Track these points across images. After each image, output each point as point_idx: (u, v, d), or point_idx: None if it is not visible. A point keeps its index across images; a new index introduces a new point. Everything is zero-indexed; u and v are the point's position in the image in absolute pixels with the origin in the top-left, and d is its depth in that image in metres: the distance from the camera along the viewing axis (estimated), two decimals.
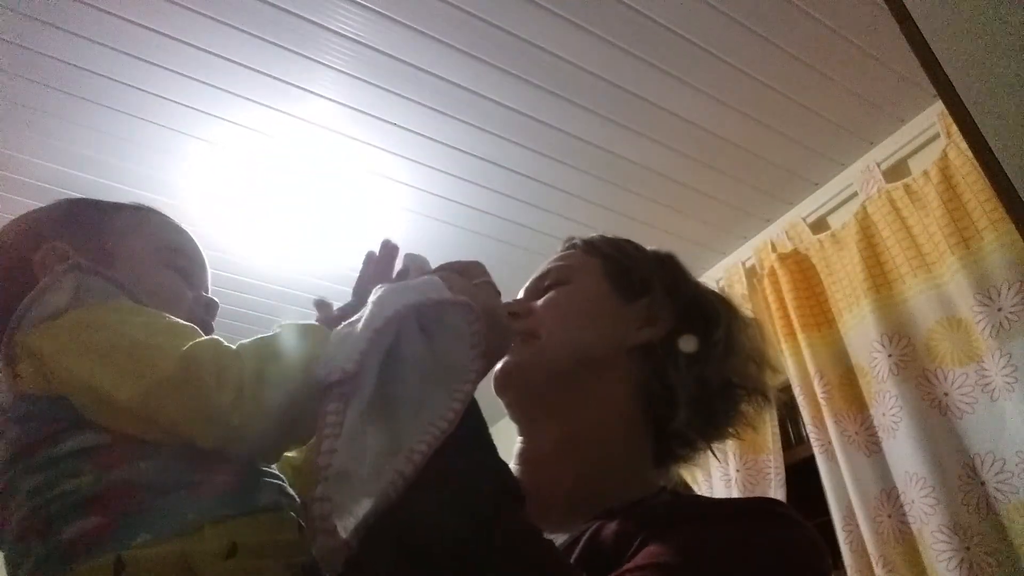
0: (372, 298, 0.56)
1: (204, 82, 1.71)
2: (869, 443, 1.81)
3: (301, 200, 2.07)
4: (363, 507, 0.46)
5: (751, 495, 1.99)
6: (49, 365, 0.56)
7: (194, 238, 0.79)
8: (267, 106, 1.78)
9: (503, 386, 0.78)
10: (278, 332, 0.58)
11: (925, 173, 1.80)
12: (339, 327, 0.54)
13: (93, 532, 0.50)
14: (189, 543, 0.50)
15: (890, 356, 1.77)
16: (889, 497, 1.73)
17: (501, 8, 1.59)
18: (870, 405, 1.83)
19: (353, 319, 0.54)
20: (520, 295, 0.87)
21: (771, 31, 1.69)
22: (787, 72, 1.79)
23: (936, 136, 1.85)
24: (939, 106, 1.77)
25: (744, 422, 0.82)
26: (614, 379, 0.78)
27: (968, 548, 1.54)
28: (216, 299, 0.75)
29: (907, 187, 1.84)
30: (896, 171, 1.95)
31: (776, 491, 1.96)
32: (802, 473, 2.01)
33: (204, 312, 0.73)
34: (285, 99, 1.76)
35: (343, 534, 0.44)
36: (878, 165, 1.96)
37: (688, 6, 1.61)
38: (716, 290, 0.91)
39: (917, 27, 0.80)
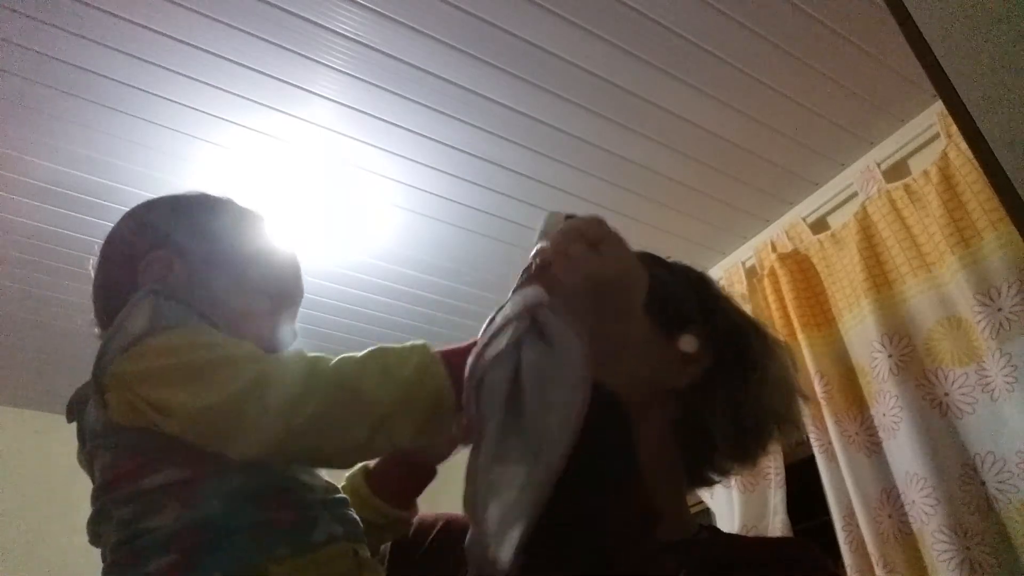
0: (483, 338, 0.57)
1: (205, 82, 1.71)
2: (869, 443, 1.81)
3: (301, 200, 2.07)
4: (515, 531, 0.46)
5: (751, 495, 1.99)
6: (132, 392, 0.59)
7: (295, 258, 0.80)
8: (267, 106, 1.78)
9: None
10: (364, 360, 0.58)
11: (925, 173, 1.80)
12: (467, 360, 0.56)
13: (171, 569, 0.55)
14: None
15: (890, 356, 1.77)
16: (889, 497, 1.73)
17: (501, 8, 1.59)
18: (870, 405, 1.83)
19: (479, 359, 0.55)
20: None
21: (771, 31, 1.69)
22: (787, 72, 1.79)
23: (936, 136, 1.84)
24: (939, 106, 1.77)
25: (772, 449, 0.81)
26: (651, 423, 0.74)
27: (968, 548, 1.54)
28: (296, 329, 0.76)
29: (907, 187, 1.84)
30: (896, 171, 1.95)
31: (776, 491, 1.95)
32: (802, 473, 2.00)
33: (289, 339, 0.75)
34: (285, 99, 1.76)
35: (502, 564, 0.45)
36: (878, 165, 1.96)
37: (688, 6, 1.61)
38: (745, 313, 0.87)
39: (917, 27, 0.80)
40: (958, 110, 0.77)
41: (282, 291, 0.77)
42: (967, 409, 1.64)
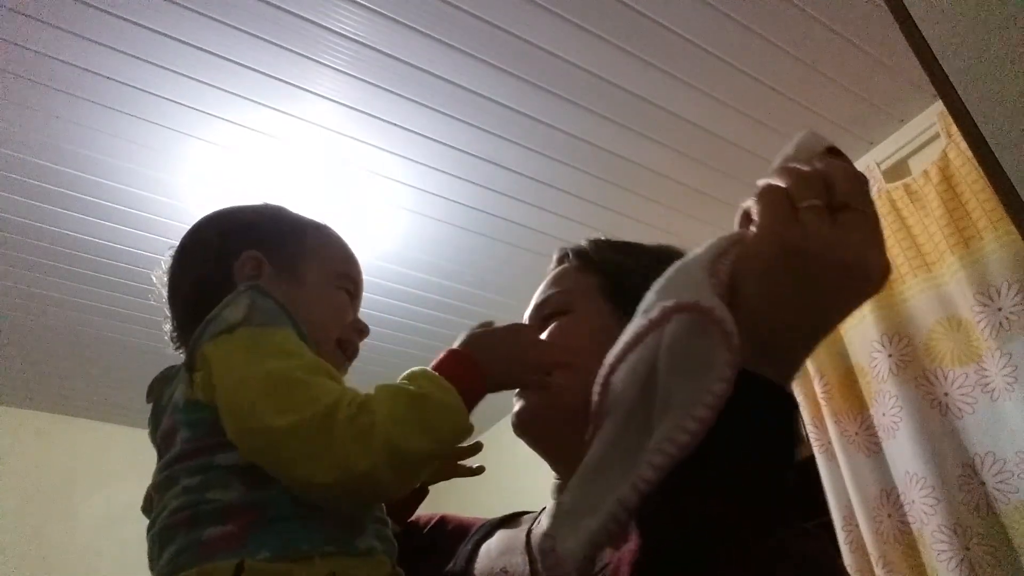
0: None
1: (205, 82, 1.71)
2: (869, 443, 1.81)
3: (301, 199, 2.07)
4: (583, 536, 0.44)
5: None
6: (214, 375, 0.62)
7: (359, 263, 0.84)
8: (267, 106, 1.78)
9: (520, 431, 0.76)
10: (419, 389, 0.62)
11: (925, 173, 1.80)
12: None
13: (226, 538, 0.58)
14: (299, 569, 0.58)
15: (890, 356, 1.77)
16: (889, 497, 1.73)
17: (502, 8, 1.59)
18: (870, 405, 1.83)
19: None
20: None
21: (771, 31, 1.69)
22: (787, 72, 1.79)
23: (936, 136, 1.85)
24: (939, 106, 1.77)
25: None
26: None
27: (968, 548, 1.54)
28: (367, 325, 0.80)
29: (907, 187, 1.84)
30: (896, 171, 1.95)
31: None
32: (802, 473, 2.00)
33: (357, 336, 0.78)
34: (285, 99, 1.76)
35: (568, 566, 0.44)
36: (878, 165, 1.96)
37: (688, 6, 1.61)
38: None
39: (917, 27, 0.80)
40: (958, 110, 0.77)
41: (355, 287, 0.81)
42: (967, 409, 1.64)
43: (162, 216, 2.08)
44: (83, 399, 2.87)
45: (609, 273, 0.79)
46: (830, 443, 1.86)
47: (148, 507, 0.67)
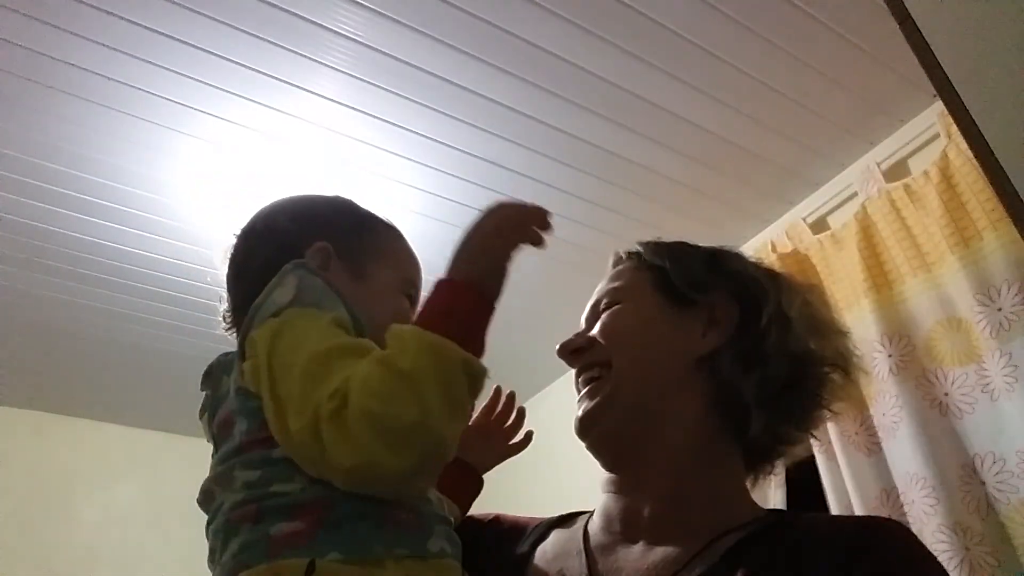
0: None
1: (204, 81, 1.71)
2: (869, 443, 1.81)
3: None
4: None
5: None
6: (259, 362, 0.60)
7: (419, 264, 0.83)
8: (268, 106, 1.78)
9: (584, 432, 0.76)
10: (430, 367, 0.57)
11: (925, 173, 1.80)
12: None
13: (294, 536, 0.56)
14: (372, 572, 0.56)
15: (890, 356, 1.77)
16: (889, 497, 1.73)
17: (502, 8, 1.59)
18: (870, 405, 1.82)
19: None
20: (582, 325, 0.84)
21: (771, 31, 1.69)
22: (787, 72, 1.79)
23: (936, 136, 1.84)
24: (939, 106, 1.77)
25: (833, 398, 0.77)
26: (687, 398, 0.74)
27: (968, 548, 1.54)
28: None
29: (907, 187, 1.84)
30: (896, 171, 1.95)
31: (776, 491, 1.95)
32: (802, 473, 2.00)
33: None
34: (286, 98, 1.76)
35: None
36: (878, 165, 1.96)
37: (688, 6, 1.61)
38: (763, 265, 0.84)
39: (917, 27, 0.80)
40: (958, 110, 0.77)
41: (417, 293, 0.80)
42: (967, 409, 1.64)
43: (162, 216, 2.08)
44: (83, 399, 2.87)
45: (660, 267, 0.81)
46: (830, 443, 1.86)
47: (206, 500, 0.65)
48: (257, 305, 0.65)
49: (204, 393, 0.70)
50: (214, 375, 0.70)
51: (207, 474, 0.65)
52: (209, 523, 0.63)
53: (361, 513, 0.58)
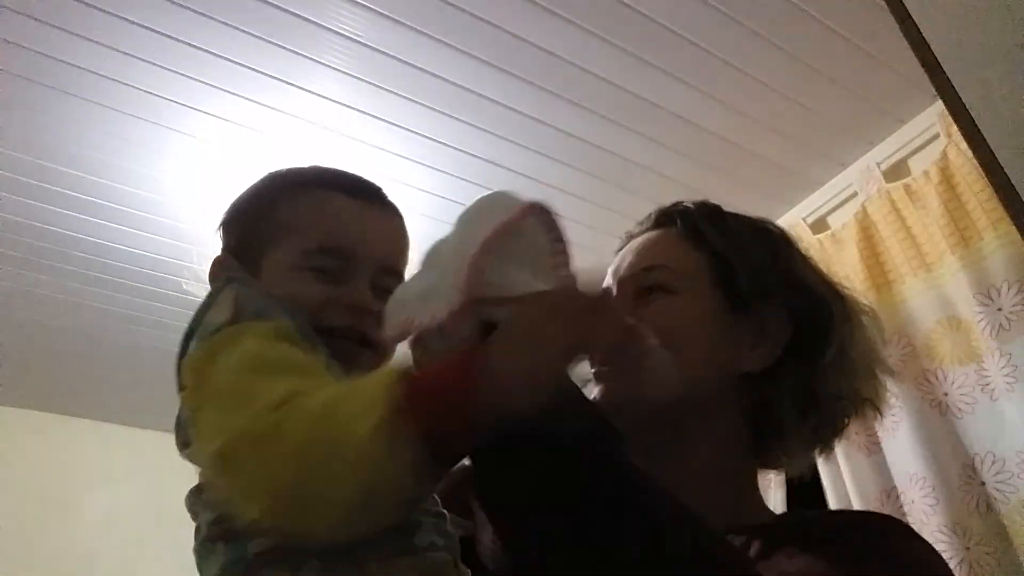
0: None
1: (203, 81, 1.70)
2: (869, 443, 1.81)
3: None
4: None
5: None
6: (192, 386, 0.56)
7: (363, 219, 0.72)
8: (267, 106, 1.78)
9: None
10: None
11: (925, 173, 1.80)
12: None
13: (271, 551, 0.54)
14: (354, 575, 0.54)
15: (890, 356, 1.77)
16: (889, 497, 1.73)
17: (502, 8, 1.59)
18: None
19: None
20: (609, 280, 0.74)
21: (771, 31, 1.69)
22: (787, 72, 1.79)
23: (936, 136, 1.85)
24: (939, 106, 1.77)
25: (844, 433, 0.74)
26: (721, 411, 0.69)
27: (968, 548, 1.54)
28: (365, 299, 0.65)
29: (907, 187, 1.84)
30: (896, 171, 1.95)
31: (776, 491, 1.95)
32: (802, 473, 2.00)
33: (350, 315, 0.65)
34: (286, 98, 1.76)
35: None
36: (878, 165, 1.96)
37: (688, 6, 1.61)
38: (827, 277, 0.76)
39: (917, 27, 0.80)
40: (958, 110, 0.77)
41: (348, 267, 0.68)
42: (967, 409, 1.64)
43: (161, 216, 2.08)
44: (83, 399, 2.87)
45: (722, 256, 0.72)
46: None
47: (192, 518, 0.62)
48: (193, 324, 0.60)
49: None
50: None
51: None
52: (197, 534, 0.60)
53: None
